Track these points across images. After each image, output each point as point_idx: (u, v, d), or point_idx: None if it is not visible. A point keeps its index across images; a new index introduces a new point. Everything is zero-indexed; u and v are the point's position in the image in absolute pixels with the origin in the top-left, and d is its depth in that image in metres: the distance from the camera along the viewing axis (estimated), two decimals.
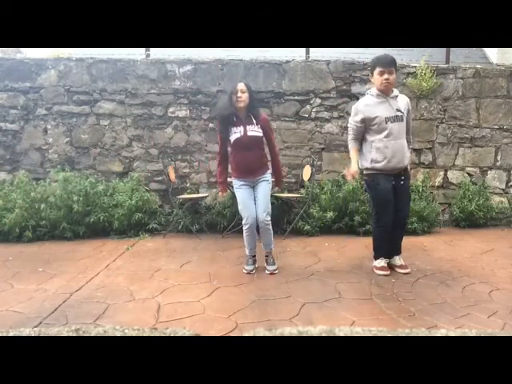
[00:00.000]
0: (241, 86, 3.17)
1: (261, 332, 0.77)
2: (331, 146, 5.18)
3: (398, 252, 3.34)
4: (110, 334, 0.78)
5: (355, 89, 5.17)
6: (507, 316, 2.41)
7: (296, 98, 5.15)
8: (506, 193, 5.37)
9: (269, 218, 3.24)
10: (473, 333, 0.78)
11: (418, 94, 5.18)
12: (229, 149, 3.32)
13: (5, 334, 0.78)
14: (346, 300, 2.68)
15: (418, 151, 5.30)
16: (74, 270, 3.34)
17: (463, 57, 6.17)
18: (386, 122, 3.04)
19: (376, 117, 3.04)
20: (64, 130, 5.14)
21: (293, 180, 5.21)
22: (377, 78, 3.01)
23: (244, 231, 3.30)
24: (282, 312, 2.47)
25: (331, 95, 5.13)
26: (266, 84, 5.15)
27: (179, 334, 0.79)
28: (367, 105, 3.10)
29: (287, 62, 5.16)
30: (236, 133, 3.19)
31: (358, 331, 0.77)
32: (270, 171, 3.37)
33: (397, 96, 3.13)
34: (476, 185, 5.21)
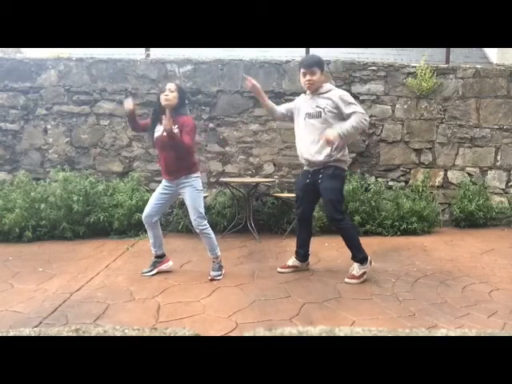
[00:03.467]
0: (170, 85, 3.11)
1: (261, 332, 0.77)
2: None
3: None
4: (110, 333, 0.78)
5: (355, 89, 5.17)
6: (507, 316, 2.41)
7: (296, 97, 5.14)
8: (506, 193, 5.37)
9: (203, 223, 3.11)
10: (473, 333, 0.78)
11: (417, 94, 5.18)
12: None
13: (5, 334, 0.78)
14: (345, 300, 2.68)
15: (417, 151, 5.30)
16: (74, 270, 3.34)
17: (463, 57, 6.17)
18: (304, 119, 3.14)
19: (300, 111, 3.22)
20: (64, 130, 5.14)
21: (293, 180, 5.20)
22: (301, 79, 3.13)
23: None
24: (282, 312, 2.47)
25: None
26: (266, 84, 5.14)
27: (179, 334, 0.79)
28: (300, 98, 3.35)
29: (287, 61, 5.16)
30: (158, 131, 3.08)
31: (358, 331, 0.77)
32: (195, 176, 3.15)
33: (327, 92, 3.06)
34: (476, 185, 5.22)
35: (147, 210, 3.19)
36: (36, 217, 4.38)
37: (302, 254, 3.34)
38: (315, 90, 3.10)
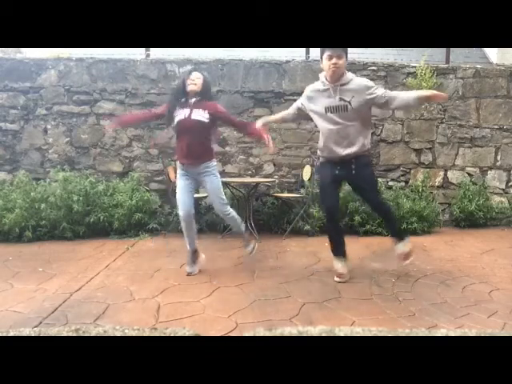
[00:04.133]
0: (197, 74, 3.15)
1: (261, 332, 0.77)
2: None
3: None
4: (110, 333, 0.78)
5: None
6: (507, 316, 2.41)
7: (296, 98, 5.10)
8: (506, 193, 5.37)
9: (227, 208, 3.21)
10: (473, 333, 0.78)
11: None
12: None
13: (5, 334, 0.78)
14: (346, 300, 2.68)
15: (417, 151, 5.30)
16: (74, 270, 3.33)
17: (463, 57, 6.17)
18: (326, 112, 2.95)
19: (318, 106, 3.00)
20: (64, 130, 5.14)
21: (293, 180, 5.21)
22: (325, 63, 2.89)
23: (182, 226, 3.21)
24: (282, 312, 2.47)
25: None
26: (266, 84, 5.15)
27: (179, 334, 0.79)
28: (316, 90, 3.04)
29: (287, 61, 5.16)
30: (180, 115, 3.09)
31: (358, 331, 0.78)
32: (215, 164, 3.22)
33: (347, 83, 2.91)
34: (476, 185, 5.21)
35: (186, 205, 3.11)
36: (36, 217, 4.38)
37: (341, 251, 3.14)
38: (337, 79, 2.89)
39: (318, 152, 3.18)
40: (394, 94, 2.97)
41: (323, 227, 4.63)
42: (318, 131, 3.15)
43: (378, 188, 3.29)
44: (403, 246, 3.17)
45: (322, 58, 2.93)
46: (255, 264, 3.53)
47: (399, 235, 3.20)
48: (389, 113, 5.23)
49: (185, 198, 3.15)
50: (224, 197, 3.23)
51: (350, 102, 2.90)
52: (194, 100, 3.12)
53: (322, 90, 2.99)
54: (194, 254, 3.31)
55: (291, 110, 3.33)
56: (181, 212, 3.15)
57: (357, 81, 2.96)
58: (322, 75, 3.02)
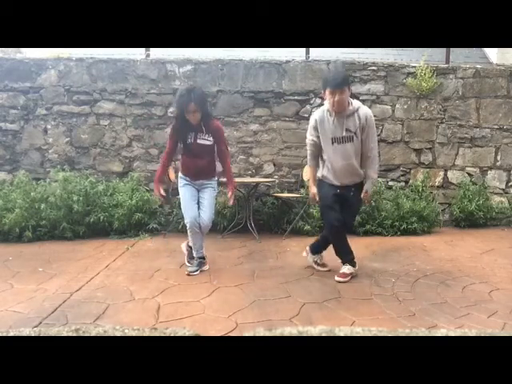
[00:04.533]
0: (192, 107, 3.06)
1: (261, 332, 0.77)
2: None
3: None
4: (110, 333, 0.78)
5: (355, 89, 5.17)
6: (507, 316, 2.41)
7: (296, 97, 5.16)
8: (506, 193, 5.37)
9: (210, 223, 3.29)
10: (473, 333, 0.78)
11: (417, 94, 5.18)
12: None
13: (5, 334, 0.78)
14: (346, 300, 2.68)
15: (417, 151, 5.30)
16: (73, 270, 3.34)
17: (463, 57, 6.17)
18: (333, 143, 2.96)
19: (325, 134, 2.98)
20: (64, 130, 5.14)
21: (293, 180, 5.21)
22: (328, 99, 2.88)
23: (189, 233, 3.30)
24: (282, 312, 2.47)
25: None
26: (266, 84, 5.15)
27: (179, 334, 0.79)
28: (321, 121, 3.00)
29: (287, 61, 5.16)
30: (190, 138, 3.20)
31: (358, 331, 0.77)
32: (215, 179, 3.40)
33: (353, 113, 2.93)
34: (476, 185, 5.22)
35: (193, 213, 3.21)
36: (36, 217, 4.38)
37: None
38: (341, 110, 2.88)
39: (320, 174, 3.18)
40: (372, 159, 3.06)
41: (323, 227, 4.63)
42: None
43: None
44: (345, 269, 3.14)
45: (324, 91, 2.92)
46: (255, 264, 3.53)
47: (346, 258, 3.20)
48: (389, 113, 5.23)
49: (191, 205, 3.25)
50: (213, 214, 3.34)
51: (355, 133, 2.92)
52: (196, 128, 3.20)
53: (327, 119, 2.97)
54: (201, 259, 3.35)
55: (312, 156, 3.17)
56: (188, 219, 3.21)
57: (364, 110, 2.97)
58: (326, 104, 2.99)
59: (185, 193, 3.29)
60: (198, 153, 3.22)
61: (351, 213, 3.18)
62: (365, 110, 3.00)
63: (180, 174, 3.36)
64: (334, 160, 3.00)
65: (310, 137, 3.11)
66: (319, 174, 3.17)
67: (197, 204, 3.30)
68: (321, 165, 3.16)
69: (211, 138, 3.23)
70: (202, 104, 3.13)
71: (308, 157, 3.22)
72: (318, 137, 3.04)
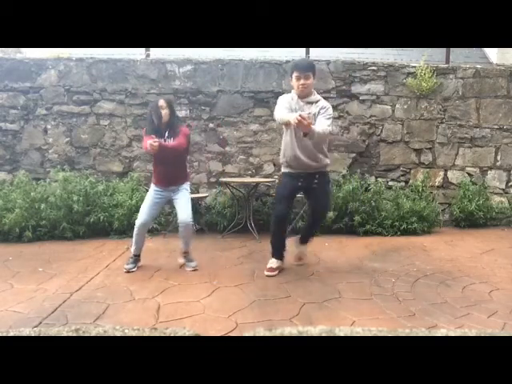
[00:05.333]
0: (161, 102, 3.24)
1: (261, 332, 0.77)
2: (331, 146, 5.17)
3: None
4: (110, 333, 0.78)
5: (355, 89, 5.18)
6: (507, 316, 2.41)
7: None
8: (506, 193, 5.37)
9: (192, 221, 3.37)
10: (473, 333, 0.78)
11: (417, 94, 5.18)
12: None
13: (5, 334, 0.78)
14: (346, 300, 2.68)
15: (417, 151, 5.30)
16: (73, 270, 3.33)
17: (463, 57, 6.17)
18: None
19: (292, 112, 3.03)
20: (64, 130, 5.14)
21: None
22: (294, 82, 3.02)
23: (135, 232, 3.36)
24: (282, 312, 2.47)
25: (331, 95, 5.13)
26: (266, 84, 5.15)
27: (179, 334, 0.79)
28: (288, 101, 3.09)
29: (287, 62, 5.16)
30: (155, 143, 3.18)
31: (358, 331, 0.77)
32: (188, 183, 3.50)
33: (317, 101, 3.07)
34: (476, 185, 5.21)
35: (144, 218, 3.31)
36: (36, 217, 4.38)
37: (283, 253, 3.35)
38: (305, 96, 3.05)
39: (282, 162, 3.22)
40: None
41: (323, 227, 4.64)
42: None
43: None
44: (305, 248, 3.40)
45: (291, 75, 3.06)
46: (255, 264, 3.53)
47: (308, 239, 3.45)
48: (389, 113, 5.23)
49: (149, 211, 3.33)
50: (191, 211, 3.37)
51: (315, 116, 3.01)
52: (165, 129, 3.28)
53: (294, 102, 3.07)
54: (137, 258, 3.46)
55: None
56: (139, 221, 3.32)
57: (322, 103, 3.09)
58: (293, 91, 3.12)
59: (149, 199, 3.35)
60: (168, 159, 3.24)
61: (322, 205, 3.27)
62: (325, 102, 3.13)
63: (152, 184, 3.40)
64: (297, 140, 3.03)
65: (281, 107, 3.06)
66: (281, 162, 3.23)
67: (156, 211, 3.46)
68: (281, 156, 3.20)
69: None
70: (170, 104, 3.32)
71: (278, 112, 3.07)
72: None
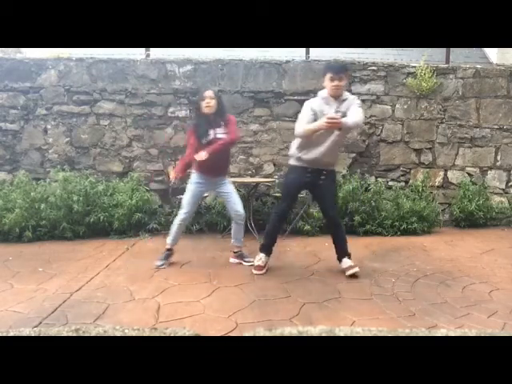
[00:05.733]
0: (209, 93, 3.34)
1: (261, 332, 0.77)
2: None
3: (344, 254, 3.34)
4: (110, 334, 0.78)
5: (355, 89, 5.17)
6: (507, 316, 2.41)
7: (296, 97, 5.15)
8: (506, 193, 5.37)
9: (244, 214, 3.46)
10: (473, 333, 0.78)
11: (417, 94, 5.18)
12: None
13: (5, 334, 0.78)
14: (345, 300, 2.68)
15: (418, 151, 5.30)
16: (73, 270, 3.33)
17: (463, 57, 6.16)
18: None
19: (322, 114, 3.06)
20: (64, 130, 5.14)
21: None
22: (327, 84, 3.09)
23: (178, 223, 3.44)
24: (282, 312, 2.47)
25: None
26: (266, 84, 5.15)
27: (179, 334, 0.79)
28: (315, 103, 3.15)
29: (287, 61, 5.16)
30: (209, 135, 3.32)
31: (358, 331, 0.78)
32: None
33: (345, 99, 3.15)
34: (476, 185, 5.21)
35: (188, 209, 3.39)
36: (36, 217, 4.38)
37: (272, 249, 3.38)
38: (338, 96, 3.12)
39: (295, 153, 3.22)
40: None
41: (323, 227, 4.64)
42: None
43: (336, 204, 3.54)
44: (349, 261, 3.26)
45: (324, 76, 3.10)
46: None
47: (346, 252, 3.31)
48: (389, 113, 5.23)
49: (193, 202, 3.42)
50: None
51: (345, 114, 3.05)
52: (213, 119, 3.35)
53: (323, 102, 3.13)
54: (170, 253, 3.54)
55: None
56: (183, 213, 3.38)
57: (351, 98, 3.18)
58: (322, 93, 3.16)
59: (192, 190, 3.40)
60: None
61: (329, 201, 3.28)
62: (354, 97, 3.22)
63: (194, 172, 3.43)
64: (324, 138, 3.08)
65: (307, 115, 3.10)
66: (293, 154, 3.25)
67: (197, 199, 3.48)
68: (297, 146, 3.21)
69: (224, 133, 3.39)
70: (217, 94, 3.40)
71: (301, 126, 3.11)
72: (315, 119, 3.09)
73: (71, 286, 2.94)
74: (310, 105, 3.17)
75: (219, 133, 3.33)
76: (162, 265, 3.43)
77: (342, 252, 3.30)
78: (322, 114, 3.07)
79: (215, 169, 3.37)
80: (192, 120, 3.55)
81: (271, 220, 3.34)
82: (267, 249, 3.36)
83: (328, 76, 3.07)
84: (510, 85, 5.26)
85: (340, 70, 3.10)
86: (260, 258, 3.32)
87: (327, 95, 3.13)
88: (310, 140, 3.10)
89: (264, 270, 3.27)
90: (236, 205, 3.42)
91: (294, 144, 3.26)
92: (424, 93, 5.16)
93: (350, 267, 3.18)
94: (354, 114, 3.04)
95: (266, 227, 3.38)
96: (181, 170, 3.54)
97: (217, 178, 3.42)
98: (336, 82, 3.04)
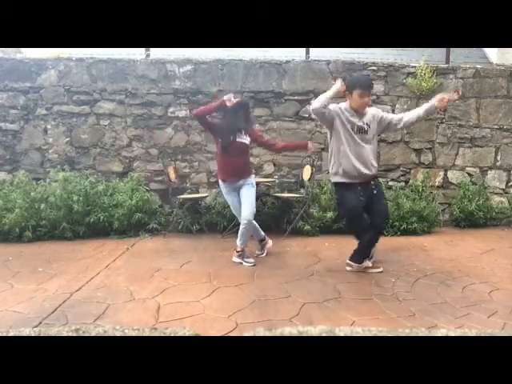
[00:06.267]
0: (229, 95, 3.46)
1: (261, 332, 0.77)
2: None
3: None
4: (110, 334, 0.78)
5: None
6: (507, 316, 2.41)
7: (296, 97, 5.15)
8: (506, 193, 5.37)
9: (253, 219, 3.54)
10: (473, 333, 0.78)
11: (417, 94, 5.18)
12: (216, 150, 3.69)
13: (5, 334, 0.78)
14: (345, 300, 2.68)
15: (417, 151, 5.30)
16: (73, 270, 3.34)
17: (463, 57, 6.16)
18: (357, 132, 3.15)
19: (349, 123, 3.14)
20: (64, 130, 5.14)
21: (293, 180, 5.20)
22: (356, 99, 3.10)
23: (242, 228, 3.54)
24: (282, 312, 2.47)
25: None
26: (266, 84, 5.14)
27: (179, 334, 0.79)
28: (342, 112, 3.16)
29: (287, 61, 5.16)
30: (229, 137, 3.46)
31: (358, 331, 0.77)
32: (253, 176, 3.67)
33: (365, 113, 3.22)
34: (476, 185, 5.21)
35: (239, 214, 3.56)
36: (36, 217, 4.38)
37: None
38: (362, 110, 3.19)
39: (336, 171, 3.22)
40: (400, 115, 3.36)
41: (323, 227, 4.64)
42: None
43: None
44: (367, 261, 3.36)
45: (351, 91, 3.12)
46: (255, 264, 3.53)
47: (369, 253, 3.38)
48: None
49: (236, 208, 3.58)
50: (254, 208, 3.55)
51: (369, 125, 3.16)
52: (237, 126, 3.48)
53: (347, 113, 3.16)
54: (262, 242, 3.79)
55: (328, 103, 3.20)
56: (246, 220, 3.48)
57: (372, 110, 3.32)
58: (345, 104, 3.19)
59: (229, 200, 3.61)
60: (238, 151, 3.46)
61: (383, 212, 3.31)
62: (373, 109, 3.34)
63: (220, 182, 3.59)
64: (357, 148, 3.14)
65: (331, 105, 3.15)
66: (335, 174, 3.24)
67: (239, 202, 3.59)
68: (335, 165, 3.22)
69: (248, 138, 3.54)
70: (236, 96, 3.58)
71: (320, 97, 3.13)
72: (332, 114, 3.12)
73: (71, 285, 2.94)
74: (339, 106, 3.17)
75: (240, 138, 3.49)
76: (252, 262, 3.51)
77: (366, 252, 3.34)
78: (347, 121, 3.12)
79: (236, 172, 3.48)
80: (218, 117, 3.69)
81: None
82: (364, 256, 3.35)
83: (357, 92, 3.08)
84: (510, 85, 5.26)
85: (370, 86, 3.16)
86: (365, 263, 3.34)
87: (349, 108, 3.16)
88: (343, 152, 3.18)
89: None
90: (244, 210, 3.48)
91: (332, 161, 3.28)
92: (424, 93, 5.16)
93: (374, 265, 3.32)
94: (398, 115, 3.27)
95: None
96: (202, 111, 3.53)
97: (239, 181, 3.51)
98: (366, 99, 3.11)
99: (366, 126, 3.16)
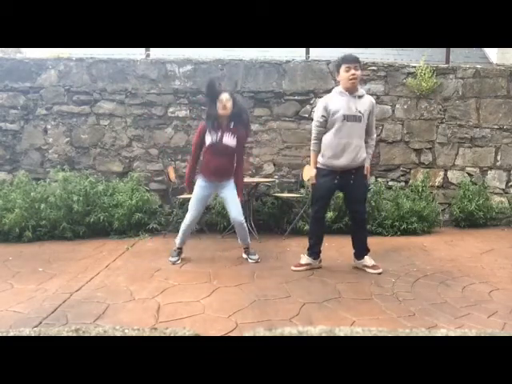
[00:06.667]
0: (225, 95, 3.35)
1: (261, 332, 0.77)
2: None
3: (365, 252, 3.39)
4: (110, 334, 0.78)
5: None
6: (507, 316, 2.41)
7: (296, 97, 5.15)
8: (506, 193, 5.37)
9: (243, 218, 3.53)
10: (473, 333, 0.78)
11: (417, 94, 5.18)
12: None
13: (5, 334, 0.78)
14: (345, 300, 2.68)
15: (417, 151, 5.30)
16: (74, 270, 3.33)
17: (463, 57, 6.16)
18: (343, 120, 3.08)
19: (337, 111, 3.08)
20: (64, 130, 5.14)
21: (293, 180, 5.21)
22: (343, 75, 3.07)
23: (184, 225, 3.54)
24: (282, 312, 2.47)
25: None
26: (266, 84, 5.15)
27: (179, 334, 0.79)
28: (331, 99, 3.15)
29: (287, 61, 5.16)
30: (212, 138, 3.40)
31: (358, 331, 0.77)
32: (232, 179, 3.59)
33: (362, 96, 3.15)
34: (476, 185, 5.21)
35: (194, 214, 3.48)
36: (36, 217, 4.38)
37: (318, 252, 3.42)
38: (354, 90, 3.11)
39: (321, 158, 3.23)
40: (373, 139, 3.36)
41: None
42: None
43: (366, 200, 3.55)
44: (370, 260, 3.36)
45: (338, 70, 3.11)
46: (255, 264, 3.53)
47: (366, 249, 3.39)
48: (389, 113, 5.23)
49: (198, 206, 3.49)
50: (241, 208, 3.52)
51: (363, 115, 3.10)
52: (225, 124, 3.41)
53: (339, 98, 3.11)
54: (181, 250, 3.67)
55: (317, 138, 3.22)
56: (190, 217, 3.47)
57: (370, 97, 3.23)
58: (337, 89, 3.17)
59: (198, 193, 3.48)
60: (221, 153, 3.40)
61: (360, 199, 3.29)
62: (371, 98, 3.26)
63: (199, 175, 3.52)
64: (341, 136, 3.09)
65: (318, 118, 3.18)
66: (319, 160, 3.25)
67: (205, 205, 3.59)
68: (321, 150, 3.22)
69: (235, 142, 3.43)
70: (234, 98, 3.43)
71: (313, 141, 3.24)
72: (326, 120, 3.14)
73: (71, 285, 2.94)
74: (324, 104, 3.14)
75: (226, 137, 3.39)
76: (177, 260, 3.55)
77: (362, 248, 3.38)
78: (337, 112, 3.07)
79: (219, 172, 3.43)
80: (204, 118, 3.60)
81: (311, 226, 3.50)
82: (314, 251, 3.43)
83: (343, 67, 3.05)
84: (510, 85, 5.26)
85: (355, 58, 3.08)
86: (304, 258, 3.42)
87: (343, 90, 3.11)
88: (330, 141, 3.15)
89: (301, 268, 3.36)
90: (231, 211, 3.49)
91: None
92: (424, 93, 5.16)
93: (374, 266, 3.30)
94: (371, 134, 3.25)
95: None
96: (188, 177, 3.60)
97: (221, 182, 3.47)
98: (352, 71, 3.03)
99: (358, 115, 3.08)
